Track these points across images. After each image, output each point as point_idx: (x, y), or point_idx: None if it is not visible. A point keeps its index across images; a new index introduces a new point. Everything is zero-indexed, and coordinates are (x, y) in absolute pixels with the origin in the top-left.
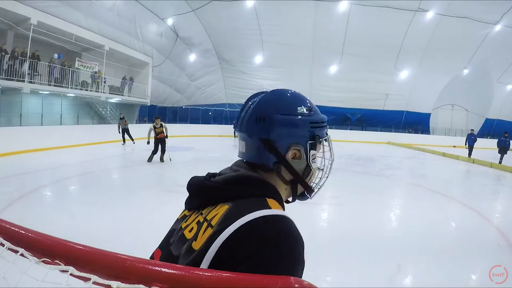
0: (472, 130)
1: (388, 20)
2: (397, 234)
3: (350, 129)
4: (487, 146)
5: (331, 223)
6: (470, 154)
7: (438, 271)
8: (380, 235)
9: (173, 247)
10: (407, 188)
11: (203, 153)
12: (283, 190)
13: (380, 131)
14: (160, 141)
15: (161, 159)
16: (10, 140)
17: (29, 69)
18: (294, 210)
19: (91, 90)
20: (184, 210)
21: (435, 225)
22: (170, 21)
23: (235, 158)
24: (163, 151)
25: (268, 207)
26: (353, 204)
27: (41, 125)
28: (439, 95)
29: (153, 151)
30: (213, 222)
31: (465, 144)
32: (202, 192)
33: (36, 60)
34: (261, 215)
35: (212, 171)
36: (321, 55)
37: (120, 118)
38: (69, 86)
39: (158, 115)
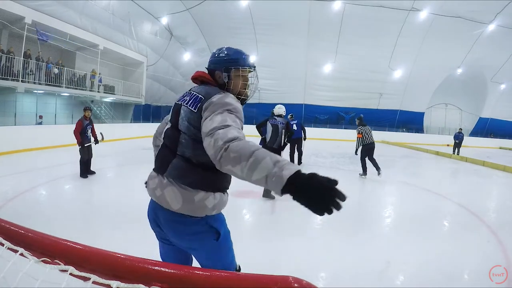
0: (460, 129)
1: (382, 20)
2: (388, 231)
3: (344, 128)
4: (483, 145)
5: (323, 221)
6: (454, 151)
7: (429, 267)
8: (372, 232)
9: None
10: (399, 186)
11: None
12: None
13: (374, 130)
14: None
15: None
16: (4, 140)
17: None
18: (290, 209)
19: (85, 89)
20: None
21: (427, 223)
22: (164, 20)
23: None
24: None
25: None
26: (345, 202)
27: (35, 124)
28: (433, 94)
29: None
30: None
31: (454, 142)
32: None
33: (28, 59)
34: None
35: None
36: (315, 55)
37: None
38: (64, 85)
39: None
